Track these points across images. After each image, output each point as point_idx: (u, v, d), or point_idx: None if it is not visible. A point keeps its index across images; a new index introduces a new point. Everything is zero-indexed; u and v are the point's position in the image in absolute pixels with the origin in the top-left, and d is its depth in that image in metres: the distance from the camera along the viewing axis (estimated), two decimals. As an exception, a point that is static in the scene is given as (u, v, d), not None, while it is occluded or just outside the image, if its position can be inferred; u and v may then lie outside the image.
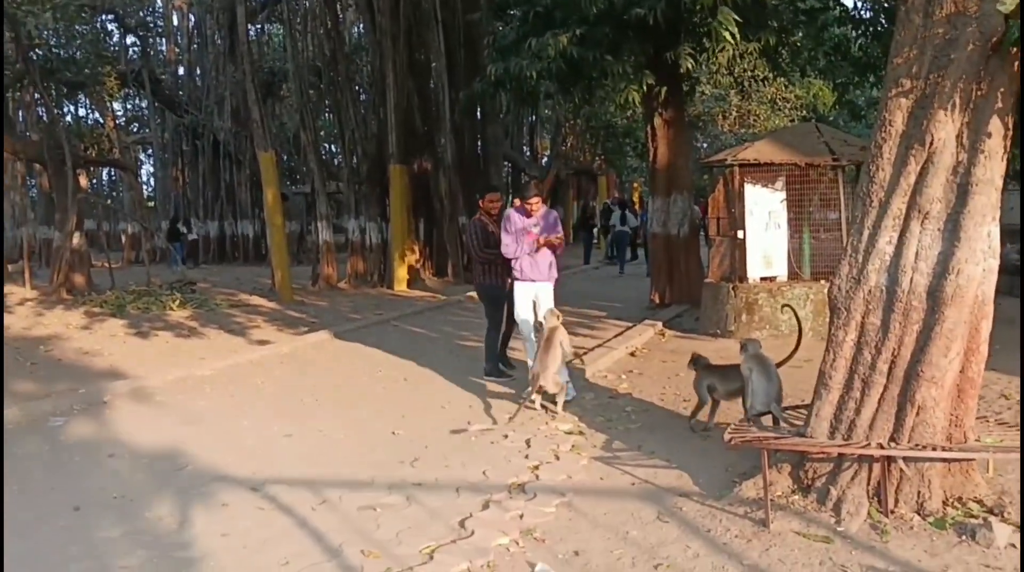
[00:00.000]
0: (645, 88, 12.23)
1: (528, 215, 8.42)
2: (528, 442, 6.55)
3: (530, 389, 7.65)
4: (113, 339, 12.70)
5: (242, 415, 7.82)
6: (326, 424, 7.38)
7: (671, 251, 14.17)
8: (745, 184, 10.97)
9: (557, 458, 6.14)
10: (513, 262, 8.47)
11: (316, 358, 10.94)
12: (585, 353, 10.13)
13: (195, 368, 10.02)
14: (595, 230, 30.57)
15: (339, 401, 8.34)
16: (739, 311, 10.83)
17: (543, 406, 7.67)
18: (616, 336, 11.38)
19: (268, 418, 7.66)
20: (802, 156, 10.70)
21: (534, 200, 8.37)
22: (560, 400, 7.60)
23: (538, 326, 8.26)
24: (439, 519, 4.99)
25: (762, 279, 11.07)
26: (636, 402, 7.88)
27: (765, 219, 11.05)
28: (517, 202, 8.77)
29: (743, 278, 11.00)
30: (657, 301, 14.22)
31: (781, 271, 11.09)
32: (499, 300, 8.98)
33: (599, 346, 10.61)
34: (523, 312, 8.53)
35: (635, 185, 41.86)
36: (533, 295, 8.48)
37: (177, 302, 15.91)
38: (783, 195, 11.00)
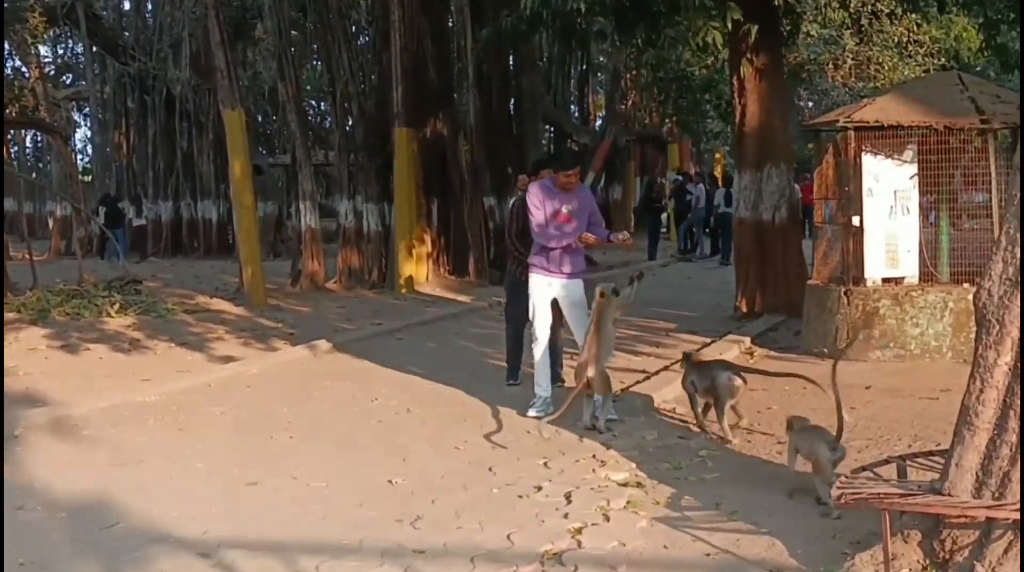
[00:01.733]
0: (730, 26, 12.08)
1: (564, 190, 8.55)
2: (568, 496, 6.44)
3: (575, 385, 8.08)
4: (32, 354, 12.81)
5: (194, 455, 7.79)
6: (303, 468, 7.32)
7: (763, 243, 14.04)
8: (863, 154, 10.80)
9: (607, 518, 6.02)
10: (537, 249, 8.69)
11: (294, 381, 10.92)
12: (646, 378, 10.02)
13: (136, 392, 10.05)
14: (663, 214, 30.48)
15: (321, 438, 8.29)
16: (853, 324, 10.66)
17: (592, 425, 7.93)
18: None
19: (228, 460, 7.62)
20: (940, 116, 10.51)
21: (572, 172, 8.56)
22: (604, 410, 8.04)
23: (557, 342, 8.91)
24: (447, 599, 4.90)
25: (884, 281, 10.90)
26: (712, 445, 7.75)
27: (890, 201, 10.87)
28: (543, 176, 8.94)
29: (859, 279, 10.82)
30: (744, 309, 14.09)
31: (910, 271, 10.92)
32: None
33: (665, 369, 10.48)
34: (541, 310, 8.69)
35: (717, 155, 41.66)
36: (555, 293, 8.68)
37: (116, 306, 16.04)
38: (914, 169, 10.81)
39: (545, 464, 7.22)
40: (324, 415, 9.21)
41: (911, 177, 10.87)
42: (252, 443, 8.16)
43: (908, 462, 5.76)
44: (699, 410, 8.29)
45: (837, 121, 10.94)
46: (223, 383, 10.75)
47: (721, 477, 6.90)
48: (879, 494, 5.01)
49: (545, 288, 8.72)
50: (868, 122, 10.66)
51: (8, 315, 15.51)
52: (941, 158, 10.72)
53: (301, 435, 8.42)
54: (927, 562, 4.91)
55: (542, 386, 8.80)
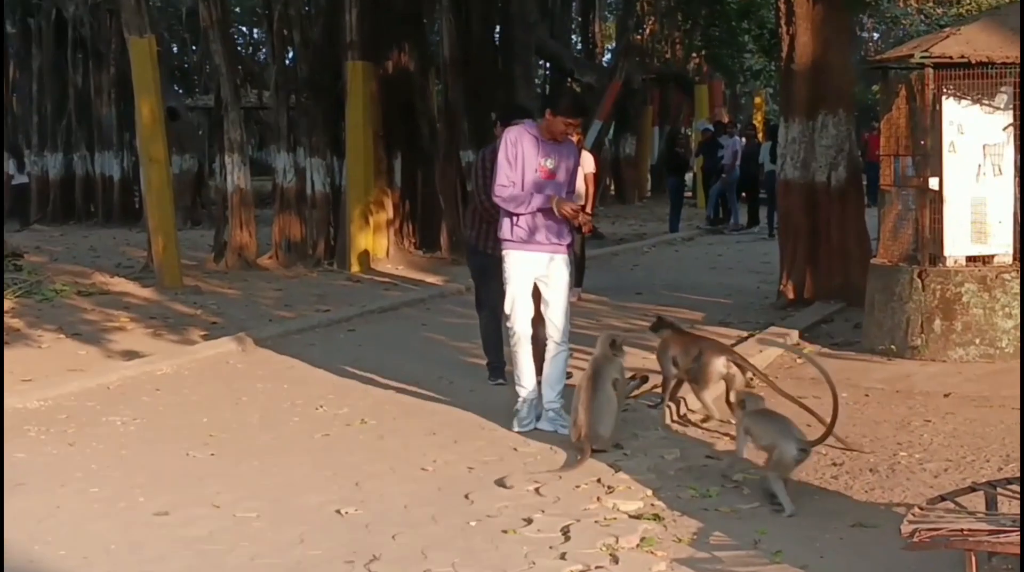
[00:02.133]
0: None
1: (553, 140, 8.50)
2: (566, 531, 6.41)
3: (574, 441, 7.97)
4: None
5: (87, 477, 7.73)
6: (227, 494, 7.27)
7: (816, 211, 14.02)
8: (944, 99, 10.74)
9: (615, 559, 5.99)
10: (507, 218, 8.56)
11: (216, 383, 10.88)
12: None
13: (15, 397, 9.96)
14: (688, 174, 30.45)
15: (251, 455, 8.24)
16: (929, 313, 10.63)
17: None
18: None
19: (131, 483, 7.55)
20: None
21: (575, 122, 8.58)
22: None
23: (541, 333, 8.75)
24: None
25: (969, 260, 10.86)
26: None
27: (977, 159, 10.82)
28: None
29: (937, 258, 10.79)
30: (791, 295, 14.06)
31: (1002, 247, 10.88)
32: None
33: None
34: (521, 299, 8.61)
35: (757, 100, 41.63)
36: (537, 272, 8.58)
37: (-10, 287, 15.93)
38: (1008, 118, 10.76)
39: (537, 491, 7.17)
40: (254, 427, 9.16)
41: (1005, 128, 10.81)
42: (162, 462, 8.09)
43: (999, 490, 5.73)
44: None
45: (911, 56, 10.87)
46: (126, 385, 10.69)
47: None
48: (962, 531, 4.98)
49: (525, 267, 8.58)
50: (951, 57, 10.59)
51: None
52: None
53: (225, 452, 8.36)
54: (1024, 617, 4.89)
55: (525, 388, 8.71)
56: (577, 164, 8.86)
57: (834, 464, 7.72)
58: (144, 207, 18.47)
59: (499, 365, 10.05)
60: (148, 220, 18.27)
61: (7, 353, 12.40)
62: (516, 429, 8.62)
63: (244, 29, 39.80)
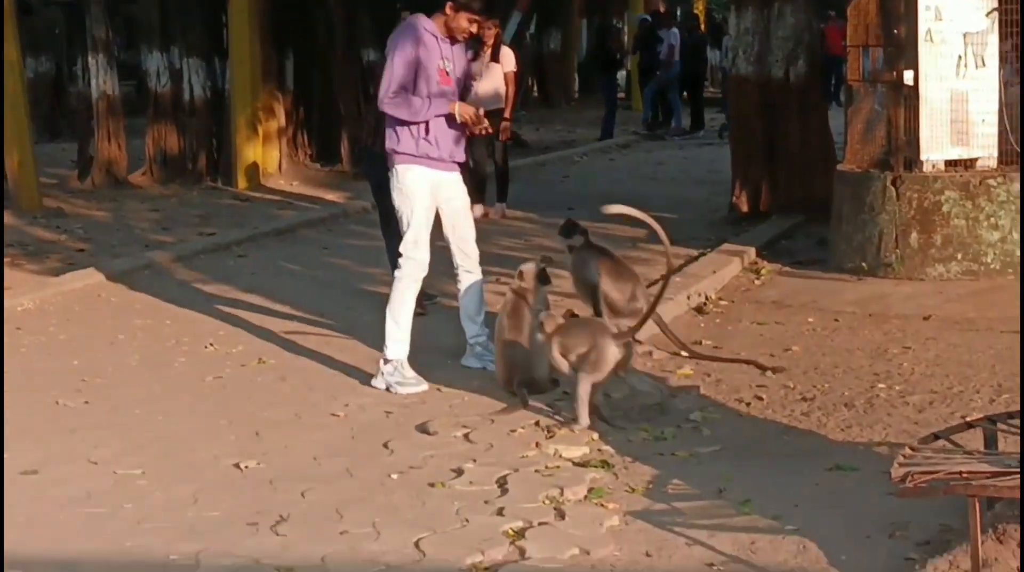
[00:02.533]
0: None
1: (452, 39, 8.34)
2: (502, 482, 6.32)
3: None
4: None
5: (-59, 431, 7.55)
6: (106, 448, 7.12)
7: (773, 112, 13.96)
8: (919, -19, 10.70)
9: (560, 514, 5.91)
10: (403, 126, 8.29)
11: (88, 320, 10.70)
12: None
13: None
14: (621, 72, 30.29)
15: (132, 403, 8.07)
16: (905, 226, 10.61)
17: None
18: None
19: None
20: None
21: (491, 23, 8.27)
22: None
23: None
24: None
25: (949, 164, 10.85)
26: (709, 403, 7.70)
27: (958, 50, 10.77)
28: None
29: (913, 162, 10.76)
30: (745, 208, 14.03)
31: (986, 150, 10.87)
32: None
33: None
34: (426, 225, 8.41)
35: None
36: (440, 193, 8.45)
37: None
38: (993, 3, 10.71)
39: (466, 437, 7.08)
40: (134, 369, 9.01)
41: (988, 13, 10.77)
42: (28, 413, 7.90)
43: (999, 425, 5.70)
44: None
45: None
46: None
47: (723, 450, 6.83)
48: (961, 473, 4.92)
49: (428, 186, 8.39)
50: (928, -69, 10.54)
51: None
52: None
53: (101, 399, 8.20)
54: (1029, 568, 4.86)
55: (402, 343, 8.32)
56: (467, 65, 8.68)
57: (804, 399, 7.69)
58: (-5, 118, 18.07)
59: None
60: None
61: None
62: (398, 390, 8.20)
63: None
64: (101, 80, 19.62)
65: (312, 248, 14.00)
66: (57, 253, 13.83)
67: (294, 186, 19.18)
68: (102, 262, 12.92)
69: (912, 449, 5.32)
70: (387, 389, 8.19)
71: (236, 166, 19.24)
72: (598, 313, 8.85)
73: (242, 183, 18.98)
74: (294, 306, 10.58)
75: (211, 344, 9.53)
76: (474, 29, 8.40)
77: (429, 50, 8.23)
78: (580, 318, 7.87)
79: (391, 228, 9.63)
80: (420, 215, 8.33)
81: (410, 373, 8.28)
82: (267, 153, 19.65)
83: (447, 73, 8.31)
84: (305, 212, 16.76)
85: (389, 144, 8.41)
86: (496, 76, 15.21)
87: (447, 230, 8.59)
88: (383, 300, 8.78)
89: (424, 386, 8.22)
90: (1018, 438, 5.71)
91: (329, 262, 13.13)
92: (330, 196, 18.08)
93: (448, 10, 8.19)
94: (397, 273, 8.38)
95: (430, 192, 8.36)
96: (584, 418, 7.13)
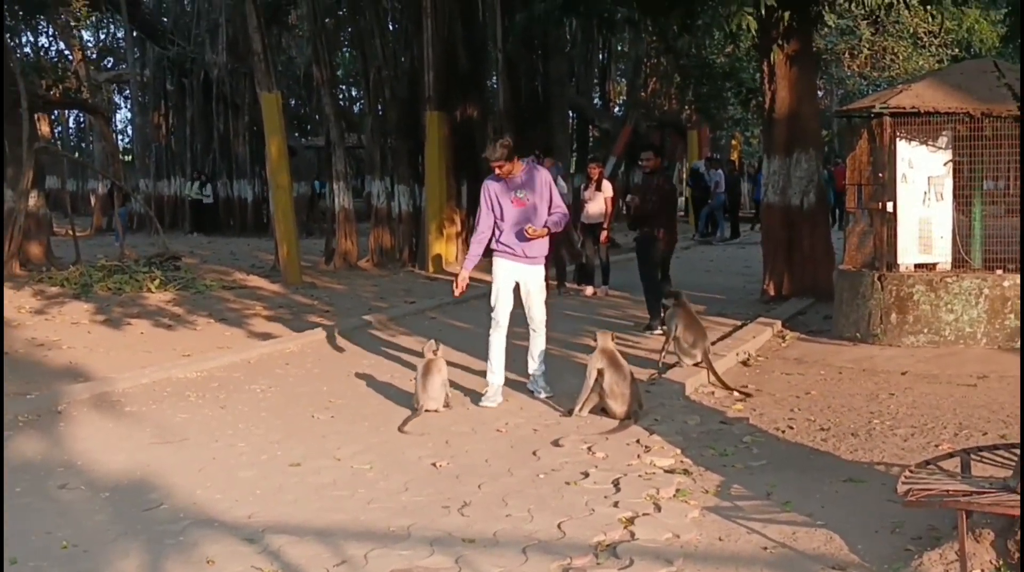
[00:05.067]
0: (764, 12, 11.61)
1: (507, 178, 8.30)
2: (616, 483, 6.05)
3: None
4: (75, 328, 12.51)
5: (235, 434, 7.44)
6: (346, 449, 6.97)
7: (792, 227, 13.59)
8: (898, 140, 10.34)
9: (658, 508, 5.63)
10: (493, 236, 8.48)
11: (332, 359, 10.59)
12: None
13: (177, 368, 9.71)
14: (680, 199, 29.91)
15: (363, 418, 7.93)
16: (887, 308, 10.20)
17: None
18: (721, 338, 10.83)
19: (270, 439, 7.27)
20: (977, 103, 10.02)
21: (496, 163, 8.21)
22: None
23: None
24: (501, 593, 4.52)
25: (917, 267, 10.45)
26: (756, 430, 7.34)
27: (924, 188, 10.44)
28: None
29: (892, 265, 10.38)
30: (772, 292, 13.65)
31: (943, 257, 10.47)
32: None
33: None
34: (504, 299, 8.44)
35: (734, 142, 41.08)
36: (517, 278, 8.43)
37: (157, 282, 15.73)
38: (949, 155, 10.36)
39: (589, 449, 6.82)
40: (364, 395, 8.86)
41: (946, 164, 10.41)
42: (293, 422, 7.80)
43: (971, 456, 5.33)
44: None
45: (873, 107, 10.45)
46: (262, 360, 10.41)
47: (768, 465, 6.50)
48: (948, 491, 4.60)
49: (506, 270, 8.43)
50: (904, 108, 10.17)
51: (51, 289, 15.27)
52: (976, 146, 10.21)
53: (342, 414, 8.06)
54: (1000, 563, 4.50)
55: (496, 375, 8.41)
56: (545, 185, 8.40)
57: (822, 429, 7.32)
58: (272, 221, 18.18)
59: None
60: (275, 231, 18.02)
61: (171, 334, 12.20)
62: (483, 403, 8.23)
63: (346, 87, 39.56)
64: (341, 198, 19.76)
65: (480, 313, 13.71)
66: (312, 313, 13.79)
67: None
68: (341, 320, 12.85)
69: (911, 472, 4.99)
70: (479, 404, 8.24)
71: (428, 257, 19.21)
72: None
73: (431, 268, 18.91)
74: (470, 351, 10.39)
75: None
76: (499, 169, 8.21)
77: (501, 192, 8.30)
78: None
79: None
80: (497, 287, 8.49)
81: (499, 396, 8.32)
82: (448, 248, 19.58)
83: (520, 199, 8.29)
84: (474, 289, 16.54)
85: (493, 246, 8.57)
86: (599, 200, 15.06)
87: (524, 303, 8.54)
88: (522, 348, 8.62)
89: (500, 399, 8.28)
90: (986, 465, 5.37)
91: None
92: (489, 278, 17.88)
93: (495, 167, 8.21)
94: (490, 330, 8.54)
95: (507, 273, 8.44)
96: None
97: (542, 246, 8.46)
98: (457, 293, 8.80)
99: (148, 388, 8.97)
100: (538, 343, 8.54)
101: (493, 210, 8.34)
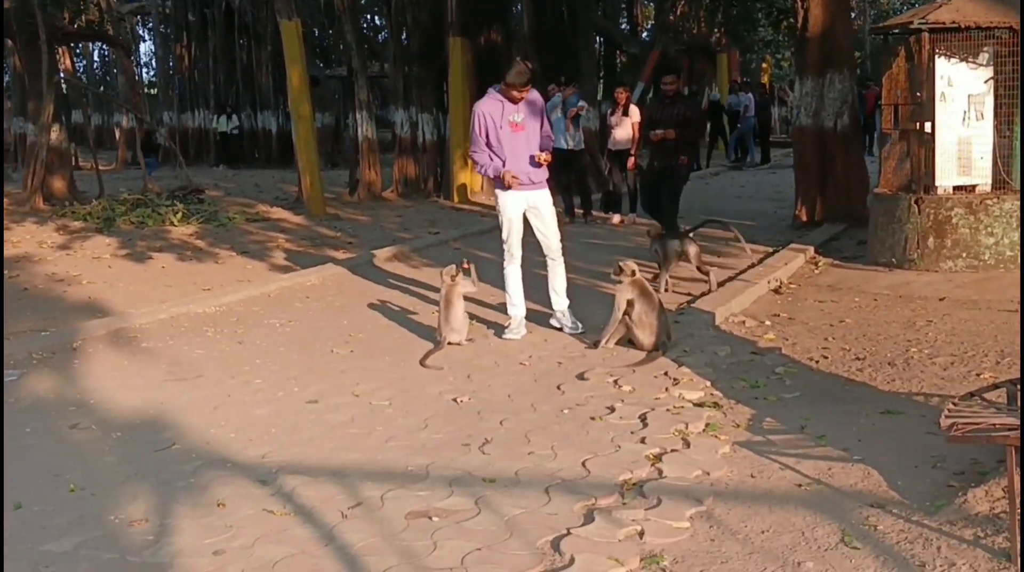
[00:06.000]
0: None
1: (513, 102, 7.83)
2: (643, 418, 5.80)
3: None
4: (96, 263, 12.37)
5: (252, 370, 7.24)
6: (365, 385, 6.75)
7: (825, 151, 13.17)
8: (937, 58, 9.90)
9: (686, 443, 5.39)
10: (489, 167, 8.03)
11: (353, 291, 10.34)
12: (710, 291, 9.36)
13: (195, 303, 9.52)
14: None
15: (383, 352, 7.69)
16: (924, 233, 9.84)
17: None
18: (752, 266, 10.53)
19: (287, 375, 7.06)
20: (1020, 16, 9.55)
21: (526, 89, 7.76)
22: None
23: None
24: (522, 536, 4.30)
25: (956, 189, 10.06)
26: (789, 361, 7.06)
27: (963, 107, 9.99)
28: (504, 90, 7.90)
29: (930, 187, 9.99)
30: (804, 218, 13.28)
31: (983, 179, 10.05)
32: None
33: (730, 280, 9.79)
34: (516, 231, 8.08)
35: (764, 64, 40.26)
36: (525, 205, 8.04)
37: (180, 215, 15.59)
38: (990, 73, 9.91)
39: (615, 382, 6.57)
40: (385, 328, 8.62)
41: (987, 82, 9.96)
42: (311, 357, 7.59)
43: (1018, 388, 5.03)
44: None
45: (911, 23, 10.00)
46: (282, 294, 10.19)
47: (802, 396, 6.24)
48: (996, 425, 4.31)
49: (514, 202, 7.99)
50: (944, 23, 9.72)
51: (74, 224, 15.18)
52: (1018, 61, 9.76)
53: (362, 349, 7.83)
54: (1051, 500, 4.24)
55: (517, 307, 8.14)
56: (539, 108, 8.04)
57: (857, 358, 7.03)
58: (295, 153, 17.95)
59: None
60: (298, 163, 17.78)
61: (192, 268, 12.05)
62: (506, 336, 7.97)
63: (368, 16, 38.98)
64: (365, 128, 19.43)
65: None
66: (335, 245, 13.58)
67: (491, 200, 18.66)
68: (364, 252, 12.63)
69: (954, 405, 4.70)
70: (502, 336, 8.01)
71: (453, 186, 18.92)
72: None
73: (456, 198, 18.64)
74: (494, 284, 10.09)
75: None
76: (522, 96, 7.77)
77: (497, 113, 7.82)
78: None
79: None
80: (510, 223, 8.02)
81: (523, 328, 8.06)
82: (473, 178, 19.21)
83: (517, 123, 7.84)
84: (494, 217, 16.29)
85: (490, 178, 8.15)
86: (627, 126, 14.70)
87: (536, 231, 8.15)
88: (543, 277, 8.33)
89: (524, 332, 8.04)
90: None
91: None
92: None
93: (503, 85, 7.76)
94: (504, 261, 8.18)
95: (515, 204, 7.98)
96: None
97: (545, 168, 8.08)
98: (516, 183, 7.94)
99: (165, 323, 8.78)
100: (559, 274, 8.20)
101: (489, 137, 7.88)
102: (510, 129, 7.84)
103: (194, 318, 9.00)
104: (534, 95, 7.97)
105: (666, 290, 9.51)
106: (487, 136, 7.87)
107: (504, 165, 7.87)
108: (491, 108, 7.85)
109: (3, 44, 17.78)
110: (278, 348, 7.91)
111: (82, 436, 5.87)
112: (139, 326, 8.64)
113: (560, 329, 8.12)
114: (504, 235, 8.11)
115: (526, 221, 8.12)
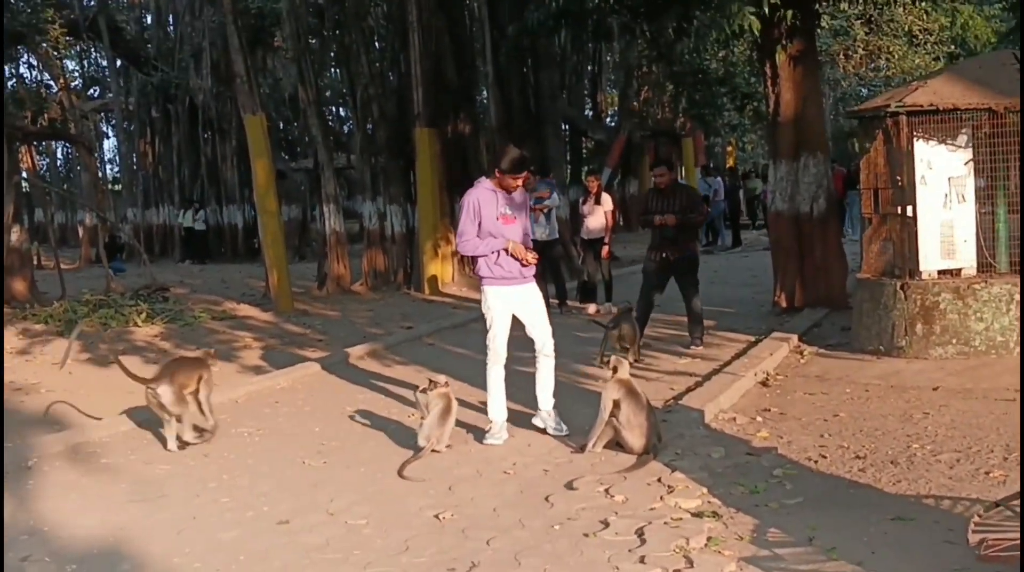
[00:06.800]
0: (767, 10, 11.02)
1: (508, 191, 7.59)
2: (640, 533, 5.42)
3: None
4: (56, 369, 11.84)
5: (219, 487, 6.81)
6: (340, 500, 6.33)
7: (802, 235, 12.98)
8: (916, 141, 9.76)
9: (689, 562, 5.01)
10: (483, 259, 7.69)
11: (325, 395, 9.91)
12: (698, 385, 9.04)
13: (159, 412, 9.04)
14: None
15: (358, 462, 7.28)
16: (912, 319, 9.60)
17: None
18: (736, 356, 10.22)
19: (256, 492, 6.63)
20: (999, 97, 9.45)
21: (523, 178, 7.58)
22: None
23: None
24: None
25: (941, 273, 9.85)
26: (786, 461, 6.72)
27: (944, 189, 9.84)
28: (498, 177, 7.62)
29: (914, 272, 9.78)
30: (784, 304, 13.03)
31: (967, 261, 9.87)
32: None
33: (715, 373, 9.48)
34: (502, 330, 7.74)
35: (729, 147, 40.54)
36: (516, 303, 7.72)
37: (144, 315, 15.10)
38: (969, 154, 9.77)
39: (607, 491, 6.20)
40: (359, 435, 8.20)
41: (966, 163, 9.83)
42: (282, 470, 7.16)
43: (1044, 494, 4.71)
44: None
45: (887, 106, 9.87)
46: (250, 398, 9.77)
47: (805, 502, 5.89)
48: (1030, 541, 3.98)
49: (501, 298, 7.68)
50: (922, 105, 9.60)
51: (35, 327, 14.65)
52: (998, 142, 9.63)
53: (335, 459, 7.41)
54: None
55: (499, 412, 7.74)
56: (525, 202, 7.84)
57: (857, 457, 6.72)
58: (262, 248, 17.60)
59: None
60: (265, 259, 17.43)
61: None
62: (488, 441, 7.58)
63: (334, 108, 39.02)
64: (332, 221, 19.11)
65: (479, 337, 13.07)
66: (304, 344, 13.15)
67: (463, 291, 18.41)
68: (334, 351, 12.22)
69: (980, 517, 4.37)
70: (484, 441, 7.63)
71: (423, 278, 18.60)
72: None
73: (427, 290, 18.30)
74: (471, 381, 9.73)
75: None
76: (518, 183, 7.57)
77: (487, 203, 7.53)
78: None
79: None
80: (498, 321, 7.68)
81: (504, 432, 7.68)
82: (444, 268, 18.95)
83: (508, 216, 7.57)
84: (472, 311, 15.86)
85: (478, 271, 7.81)
86: (599, 214, 14.51)
87: (528, 327, 7.80)
88: (532, 377, 7.94)
89: (506, 436, 7.64)
90: None
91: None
92: (479, 296, 17.27)
93: (497, 173, 7.50)
94: (487, 360, 7.80)
95: (504, 301, 7.65)
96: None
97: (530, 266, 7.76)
98: (524, 255, 7.59)
99: (127, 436, 8.34)
100: (547, 371, 7.82)
101: (481, 227, 7.56)
102: (502, 222, 7.57)
103: (158, 428, 8.54)
104: (522, 192, 7.75)
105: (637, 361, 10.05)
106: (479, 226, 7.57)
107: (495, 259, 7.59)
108: (484, 197, 7.58)
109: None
110: (246, 460, 7.48)
111: (34, 570, 5.41)
112: (99, 440, 8.19)
113: (543, 430, 7.74)
114: (489, 333, 7.74)
115: (514, 319, 7.77)
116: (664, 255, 11.05)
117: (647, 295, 11.29)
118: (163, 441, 7.94)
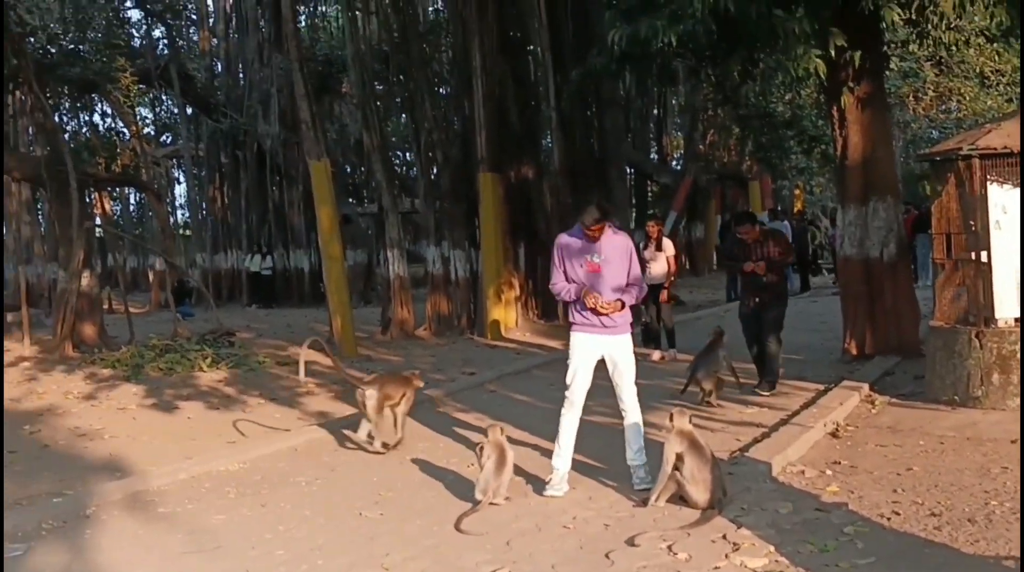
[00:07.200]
0: (833, 53, 10.84)
1: (591, 241, 7.44)
2: (704, 593, 5.23)
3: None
4: (121, 414, 11.96)
5: (275, 538, 6.72)
6: (396, 555, 6.21)
7: (872, 281, 12.70)
8: (989, 184, 9.49)
9: (756, 626, 4.80)
10: (572, 305, 7.59)
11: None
12: (765, 436, 8.80)
13: (219, 459, 9.06)
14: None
15: (416, 514, 7.15)
16: (988, 368, 9.29)
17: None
18: (805, 406, 9.96)
19: (312, 544, 6.54)
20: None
21: (596, 227, 7.35)
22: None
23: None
24: None
25: (1017, 321, 9.53)
26: (857, 518, 6.46)
27: (1019, 234, 9.54)
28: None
29: (990, 320, 9.48)
30: (855, 351, 12.72)
31: (1045, 309, 9.55)
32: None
33: (783, 423, 9.22)
34: (582, 372, 7.53)
35: (797, 191, 40.11)
36: (601, 353, 7.51)
37: (209, 360, 15.18)
38: (1045, 197, 9.49)
39: (669, 548, 6.00)
40: (417, 485, 8.09)
41: (1042, 206, 9.53)
42: (339, 522, 7.06)
43: None
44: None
45: (960, 148, 9.62)
46: (310, 446, 9.71)
47: (877, 562, 5.64)
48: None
49: (585, 345, 7.51)
50: (996, 149, 9.35)
51: (103, 371, 14.79)
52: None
53: (392, 511, 7.29)
54: None
55: (563, 460, 7.54)
56: (625, 252, 7.56)
57: (933, 514, 6.44)
58: (326, 293, 17.69)
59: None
60: (329, 304, 17.50)
61: (219, 417, 11.59)
62: (548, 493, 7.39)
63: (399, 152, 39.36)
64: (396, 266, 19.18)
65: (542, 384, 12.92)
66: (365, 389, 13.09)
67: (526, 337, 18.30)
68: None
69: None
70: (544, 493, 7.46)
71: (486, 323, 18.53)
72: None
73: (490, 335, 18.22)
74: (533, 431, 9.60)
75: (472, 464, 8.54)
76: (595, 233, 7.34)
77: (576, 251, 7.46)
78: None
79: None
80: (575, 365, 7.54)
81: (565, 484, 7.48)
82: (507, 313, 18.88)
83: (596, 264, 7.43)
84: (535, 357, 15.83)
85: (570, 318, 7.67)
86: (661, 260, 14.37)
87: (612, 378, 7.60)
88: (600, 425, 7.78)
89: (566, 487, 7.44)
90: None
91: (554, 395, 12.09)
92: (551, 343, 17.10)
93: (582, 226, 7.36)
94: (563, 409, 7.68)
95: (588, 349, 7.50)
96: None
97: (625, 312, 7.56)
98: (610, 310, 7.41)
99: (186, 484, 8.30)
100: (633, 424, 7.56)
101: (567, 272, 7.52)
102: (587, 268, 7.46)
103: (216, 477, 8.52)
104: (621, 238, 7.57)
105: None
106: (565, 270, 7.54)
107: (578, 306, 7.51)
108: (569, 242, 7.54)
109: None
110: (303, 511, 7.39)
111: (86, 625, 5.36)
112: (157, 488, 8.16)
113: (633, 485, 7.48)
114: (568, 378, 7.59)
115: (599, 367, 7.61)
116: (757, 300, 10.98)
117: (750, 340, 11.49)
118: (222, 490, 7.90)
